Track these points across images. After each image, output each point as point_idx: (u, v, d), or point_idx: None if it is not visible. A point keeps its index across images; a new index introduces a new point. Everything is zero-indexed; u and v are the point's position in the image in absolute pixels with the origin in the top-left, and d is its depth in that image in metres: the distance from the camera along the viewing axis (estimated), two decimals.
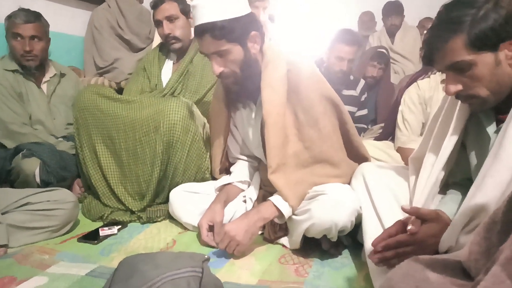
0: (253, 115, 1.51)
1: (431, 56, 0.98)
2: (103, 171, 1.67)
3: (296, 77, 1.37)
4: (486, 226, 0.65)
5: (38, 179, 1.75)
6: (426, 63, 1.02)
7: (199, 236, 1.47)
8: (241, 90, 1.41)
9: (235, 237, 1.29)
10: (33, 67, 1.99)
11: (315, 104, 1.38)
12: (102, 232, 1.49)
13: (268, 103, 1.35)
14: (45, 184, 1.74)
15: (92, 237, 1.47)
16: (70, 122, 2.00)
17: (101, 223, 1.61)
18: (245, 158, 1.67)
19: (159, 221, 1.65)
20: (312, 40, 2.86)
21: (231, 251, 1.31)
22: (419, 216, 0.94)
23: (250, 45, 1.35)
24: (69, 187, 1.88)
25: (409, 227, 0.91)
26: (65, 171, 1.83)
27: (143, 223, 1.62)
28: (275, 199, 1.35)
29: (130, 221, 1.63)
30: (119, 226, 1.54)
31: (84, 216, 1.70)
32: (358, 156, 1.52)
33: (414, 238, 0.91)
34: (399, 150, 2.00)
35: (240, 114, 1.56)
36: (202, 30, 1.29)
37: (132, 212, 1.66)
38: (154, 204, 1.68)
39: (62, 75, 2.15)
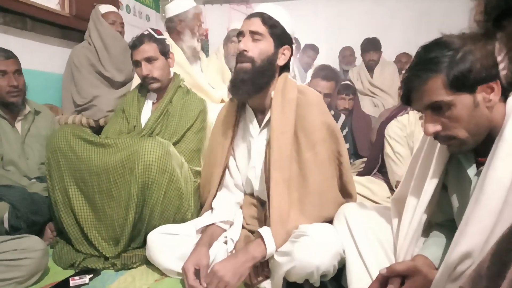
0: (258, 132, 1.52)
1: (410, 96, 0.98)
2: (76, 215, 1.59)
3: (305, 103, 1.44)
4: (472, 280, 0.62)
5: (6, 225, 1.65)
6: (404, 103, 1.02)
7: (183, 281, 1.38)
8: (247, 82, 1.42)
9: (223, 278, 1.23)
10: (19, 102, 1.95)
11: (316, 130, 1.42)
12: (72, 282, 1.40)
13: (277, 119, 1.40)
14: (14, 230, 1.64)
15: None
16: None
17: (72, 271, 1.51)
18: (233, 188, 1.62)
19: (135, 268, 1.56)
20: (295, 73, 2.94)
21: None
22: (398, 274, 0.90)
23: (280, 53, 1.46)
24: (41, 231, 1.78)
25: (388, 287, 0.86)
26: (36, 216, 1.73)
27: (117, 270, 1.53)
28: (263, 230, 1.30)
29: (104, 269, 1.54)
30: (91, 275, 1.45)
31: (55, 264, 1.59)
32: (343, 192, 1.51)
33: None
34: (398, 184, 1.99)
35: (242, 132, 1.58)
36: (255, 13, 1.46)
37: (106, 259, 1.57)
38: (130, 249, 1.60)
39: (37, 112, 2.09)
